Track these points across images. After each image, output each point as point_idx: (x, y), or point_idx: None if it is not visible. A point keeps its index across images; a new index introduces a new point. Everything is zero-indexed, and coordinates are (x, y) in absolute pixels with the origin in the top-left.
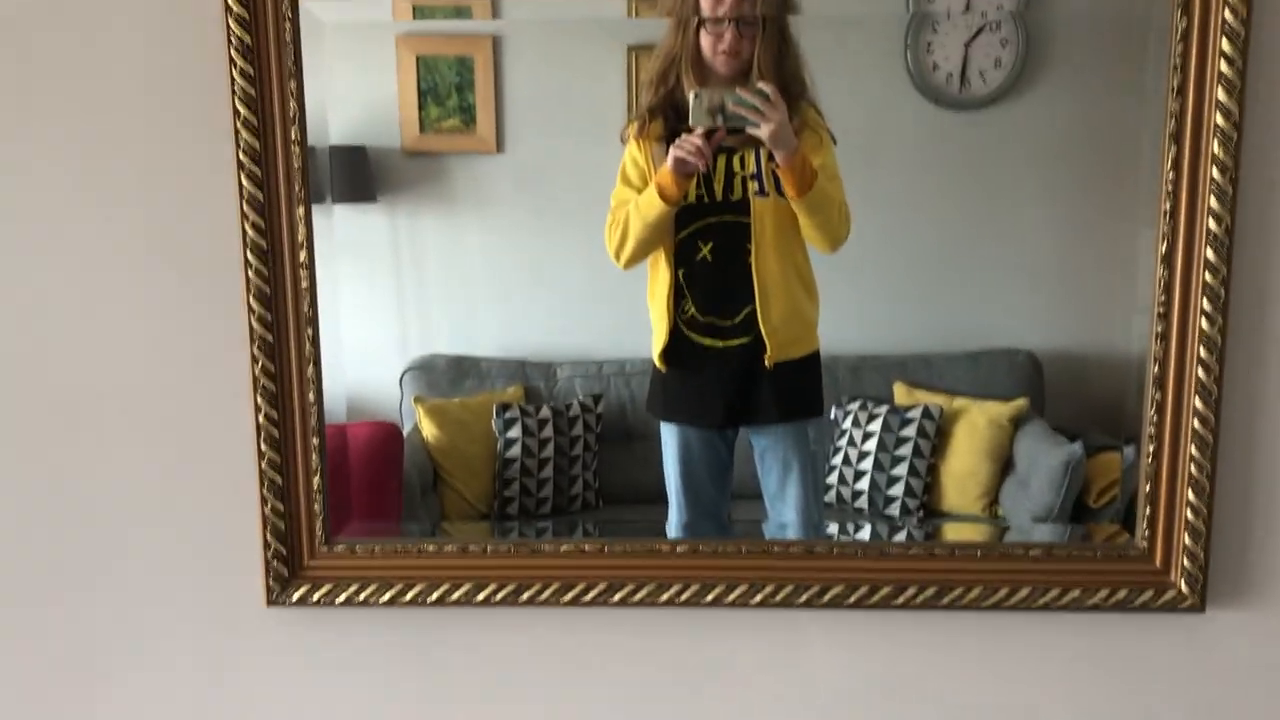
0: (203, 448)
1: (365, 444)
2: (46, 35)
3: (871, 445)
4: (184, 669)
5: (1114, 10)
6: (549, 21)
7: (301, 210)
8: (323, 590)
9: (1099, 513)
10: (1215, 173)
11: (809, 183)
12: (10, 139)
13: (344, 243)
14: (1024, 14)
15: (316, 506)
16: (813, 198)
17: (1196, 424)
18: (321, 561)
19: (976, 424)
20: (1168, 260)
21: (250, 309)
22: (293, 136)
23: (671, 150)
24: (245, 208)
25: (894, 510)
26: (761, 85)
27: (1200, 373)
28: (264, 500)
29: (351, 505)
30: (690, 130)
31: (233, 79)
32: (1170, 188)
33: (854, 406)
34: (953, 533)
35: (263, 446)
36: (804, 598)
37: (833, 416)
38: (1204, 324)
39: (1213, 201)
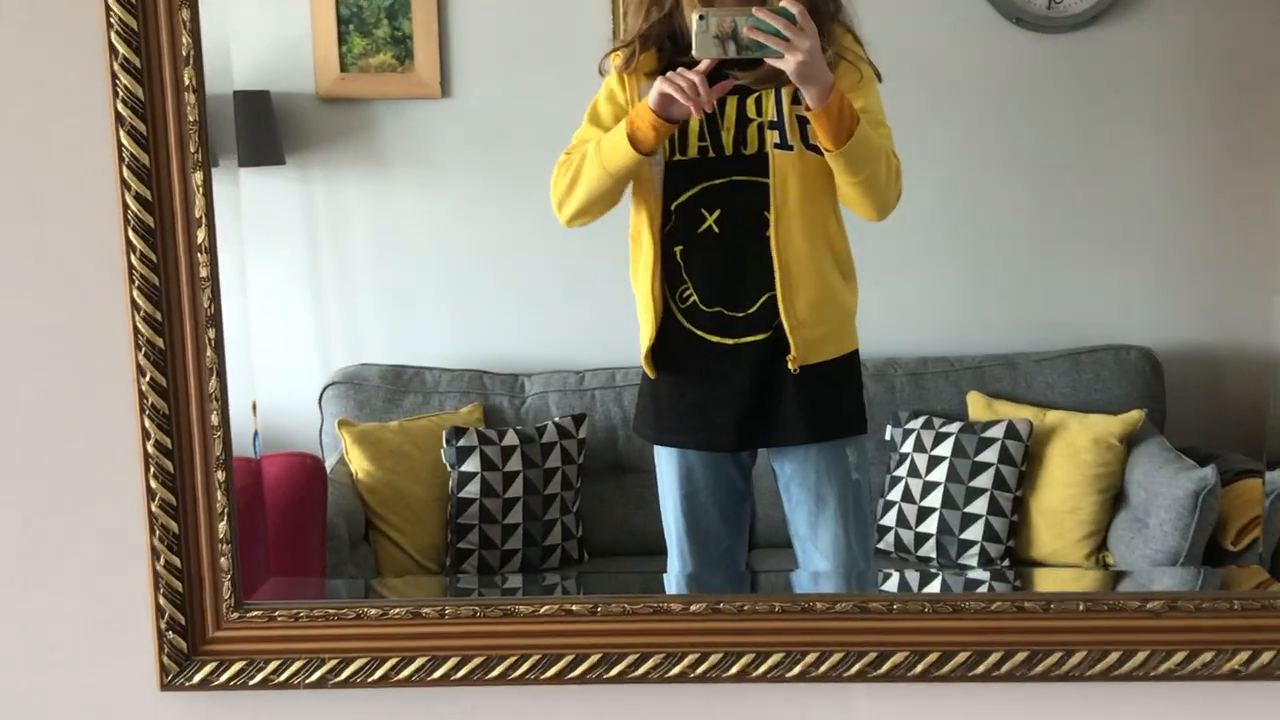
0: (75, 487)
1: (275, 485)
2: None
3: (940, 475)
4: None
5: None
6: None
7: (199, 177)
8: (233, 669)
9: (1240, 557)
10: None
11: (849, 129)
12: None
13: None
14: None
15: (224, 560)
16: (854, 148)
17: None
18: (231, 632)
19: (1077, 444)
20: None
21: (135, 305)
22: (186, 81)
23: (657, 83)
24: (126, 174)
25: (971, 559)
26: (785, 2)
27: None
28: (155, 553)
29: (270, 558)
30: (692, 65)
31: (108, 7)
32: None
33: (916, 424)
34: (1046, 582)
35: (152, 483)
36: (856, 668)
37: (888, 437)
38: None
39: None
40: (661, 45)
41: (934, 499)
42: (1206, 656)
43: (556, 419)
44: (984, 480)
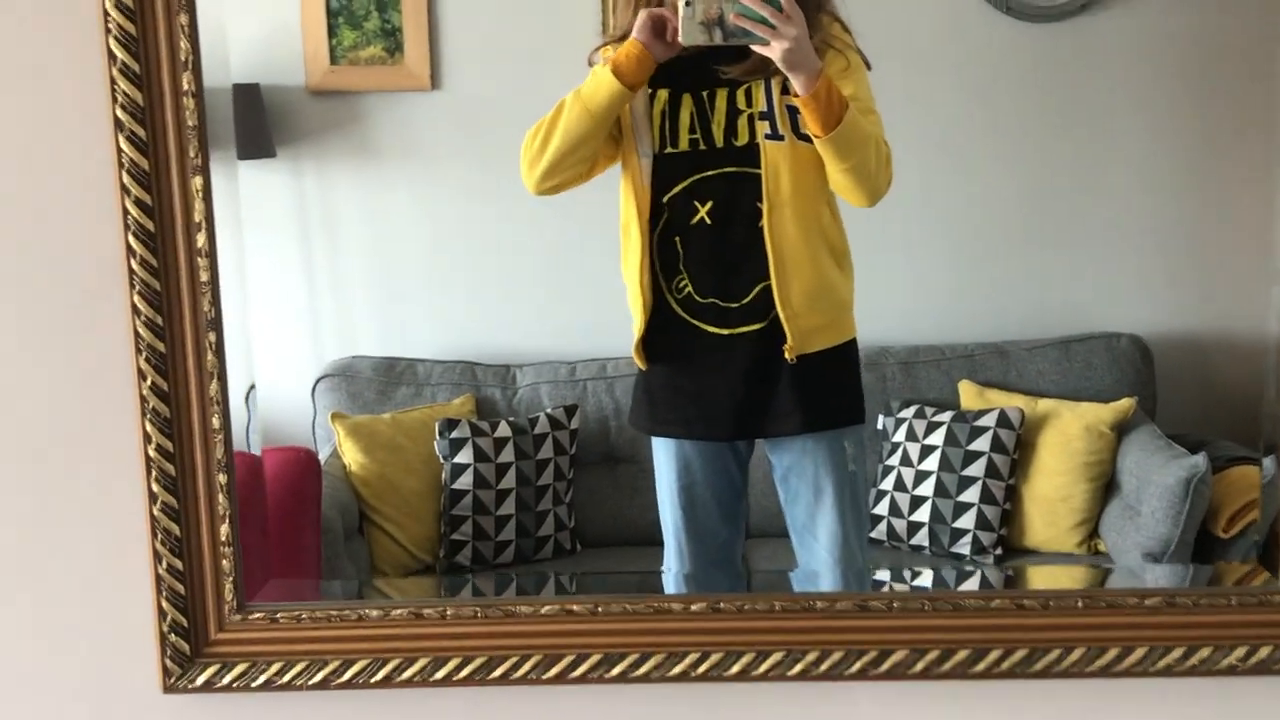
0: (77, 491)
1: (270, 479)
2: None
3: (932, 463)
4: None
5: None
6: None
7: (199, 181)
8: (235, 671)
9: (1231, 545)
10: None
11: (837, 115)
12: None
13: (234, 210)
14: None
15: (226, 563)
16: (843, 133)
17: None
18: (233, 634)
19: (1068, 432)
20: None
21: (135, 310)
22: (185, 86)
23: (644, 12)
24: (125, 179)
25: (963, 548)
26: None
27: None
28: (157, 557)
29: (271, 559)
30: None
31: (106, 13)
32: None
33: (908, 413)
34: (1041, 577)
35: (154, 487)
36: (857, 666)
37: (880, 426)
38: None
39: None
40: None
41: (926, 487)
42: (1204, 652)
43: (549, 410)
44: (976, 469)
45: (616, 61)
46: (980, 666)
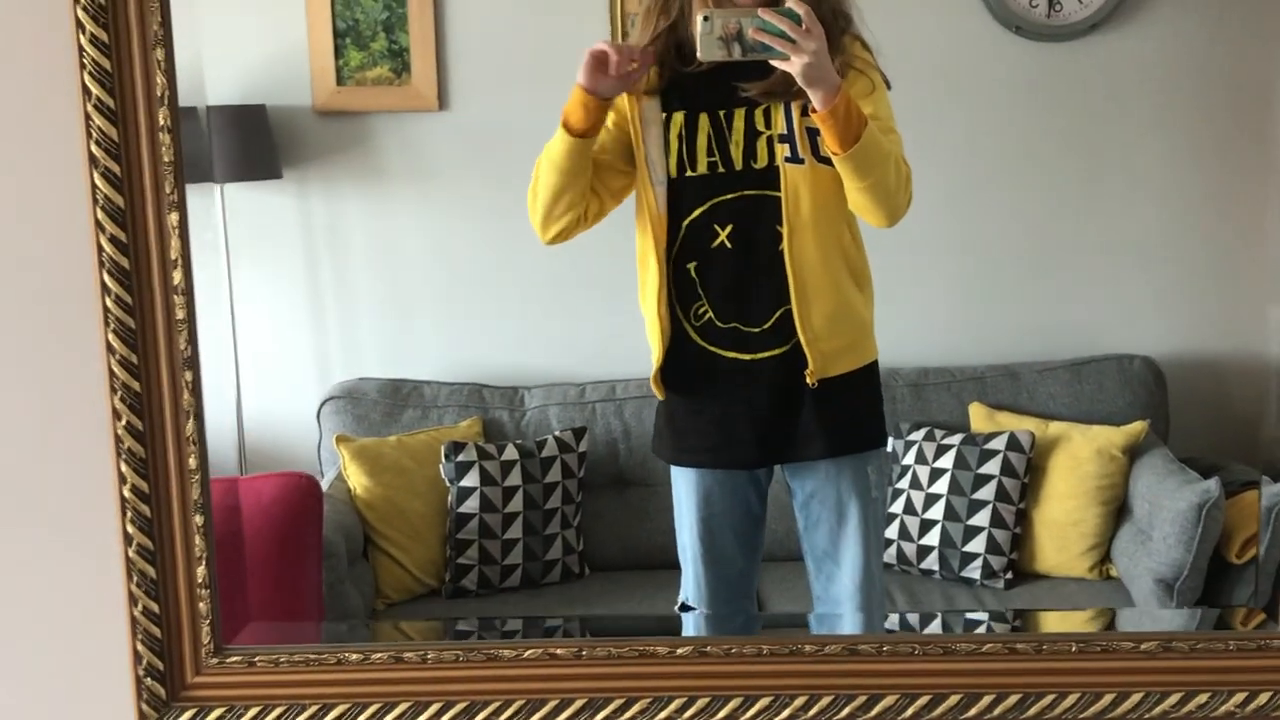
0: (51, 533)
1: (270, 505)
2: None
3: (942, 487)
4: None
5: None
6: None
7: (175, 218)
8: (212, 716)
9: (1243, 569)
10: None
11: (855, 133)
12: None
13: (239, 233)
14: None
15: (203, 605)
16: (861, 152)
17: None
18: (210, 678)
19: (1079, 456)
20: None
21: (110, 349)
22: (161, 121)
23: (586, 52)
24: (100, 216)
25: (973, 572)
26: (792, 4)
27: None
28: (133, 599)
29: (249, 597)
30: (695, 79)
31: (81, 49)
32: None
33: (918, 436)
34: (1050, 605)
35: (129, 529)
36: (845, 711)
37: (889, 449)
38: None
39: None
40: (666, 60)
41: (936, 511)
42: (1202, 698)
43: (557, 433)
44: (986, 492)
45: (565, 113)
46: (972, 712)
